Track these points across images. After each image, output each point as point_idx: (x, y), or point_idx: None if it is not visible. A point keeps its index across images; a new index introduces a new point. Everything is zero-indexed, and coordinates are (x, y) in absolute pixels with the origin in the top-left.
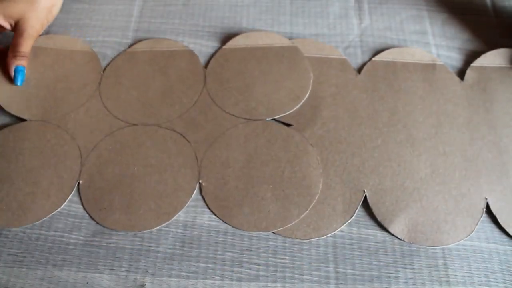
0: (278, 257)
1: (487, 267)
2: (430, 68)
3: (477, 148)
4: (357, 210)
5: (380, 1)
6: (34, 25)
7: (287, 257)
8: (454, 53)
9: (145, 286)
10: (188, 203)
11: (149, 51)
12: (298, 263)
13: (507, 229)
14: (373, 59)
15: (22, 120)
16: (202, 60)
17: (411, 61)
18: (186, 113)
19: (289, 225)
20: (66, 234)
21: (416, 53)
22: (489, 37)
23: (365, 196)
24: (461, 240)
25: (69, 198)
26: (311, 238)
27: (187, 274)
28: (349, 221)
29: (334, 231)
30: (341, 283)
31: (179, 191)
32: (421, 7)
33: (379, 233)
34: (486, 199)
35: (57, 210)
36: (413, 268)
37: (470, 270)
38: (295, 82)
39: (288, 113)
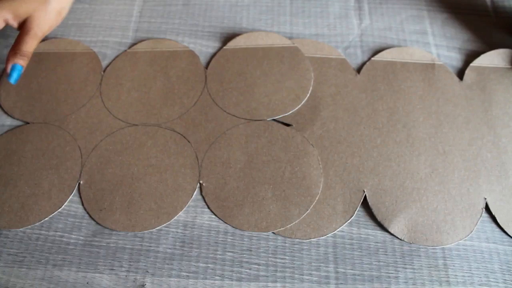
0: (278, 257)
1: (487, 267)
2: (429, 68)
3: (476, 148)
4: (357, 210)
5: (380, 1)
6: (42, 26)
7: (287, 257)
8: (453, 53)
9: (145, 286)
10: (189, 203)
11: (149, 52)
12: (298, 263)
13: (506, 229)
14: (372, 59)
15: (25, 122)
16: (202, 60)
17: (411, 61)
18: (187, 114)
19: (289, 225)
20: (66, 234)
21: (415, 53)
22: (489, 37)
23: (365, 196)
24: (461, 240)
25: (69, 198)
26: (311, 238)
27: (187, 274)
28: (349, 221)
29: (334, 231)
30: (341, 283)
31: (179, 191)
32: (421, 7)
33: (379, 233)
34: (485, 199)
35: (58, 210)
36: (413, 268)
37: (470, 270)
38: (296, 82)
39: (289, 113)
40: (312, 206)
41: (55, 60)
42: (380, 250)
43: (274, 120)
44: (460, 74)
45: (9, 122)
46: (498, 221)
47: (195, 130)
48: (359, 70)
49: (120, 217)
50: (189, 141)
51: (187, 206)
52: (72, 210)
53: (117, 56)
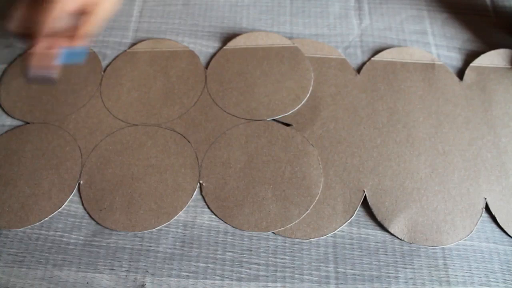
0: (278, 257)
1: (487, 267)
2: (429, 68)
3: (476, 148)
4: (357, 210)
5: (380, 1)
6: (106, 9)
7: (287, 257)
8: (453, 53)
9: (145, 286)
10: (189, 203)
11: (149, 52)
12: (298, 263)
13: (506, 229)
14: (372, 59)
15: (25, 122)
16: (202, 60)
17: (411, 61)
18: (187, 114)
19: (289, 225)
20: (66, 234)
21: (415, 53)
22: (489, 37)
23: (365, 196)
24: (461, 240)
25: (69, 198)
26: (311, 238)
27: (187, 274)
28: (349, 221)
29: (334, 231)
30: (341, 283)
31: (179, 191)
32: (421, 7)
33: (379, 233)
34: (485, 199)
35: (58, 210)
36: (413, 268)
37: (470, 270)
38: (296, 82)
39: (289, 113)
40: (312, 206)
41: None
42: (380, 250)
43: (274, 120)
44: (460, 74)
45: (9, 122)
46: (498, 221)
47: (195, 130)
48: (359, 70)
49: (120, 217)
50: (189, 141)
51: (187, 206)
52: (72, 210)
53: (117, 56)
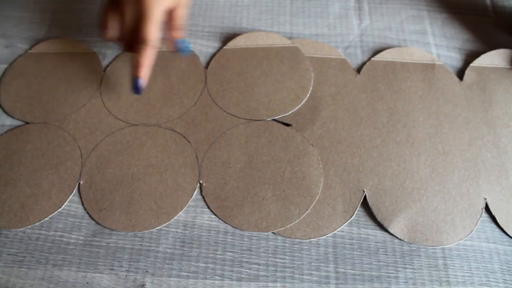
0: (278, 257)
1: (487, 267)
2: (429, 68)
3: (476, 148)
4: (357, 210)
5: (380, 1)
6: (188, 2)
7: (287, 257)
8: (453, 53)
9: (145, 286)
10: (189, 203)
11: None
12: (298, 263)
13: (506, 229)
14: (372, 59)
15: (25, 122)
16: (203, 60)
17: (411, 61)
18: (187, 114)
19: (289, 225)
20: (66, 234)
21: (415, 53)
22: (489, 37)
23: (365, 196)
24: (461, 240)
25: (69, 198)
26: (311, 238)
27: (187, 274)
28: (349, 221)
29: (334, 231)
30: (341, 283)
31: (179, 191)
32: (421, 7)
33: (379, 233)
34: (485, 199)
35: (58, 210)
36: (413, 268)
37: (470, 270)
38: (296, 82)
39: (289, 113)
40: (312, 206)
41: (55, 60)
42: (380, 250)
43: (274, 120)
44: (460, 74)
45: (9, 122)
46: (498, 221)
47: (195, 130)
48: (359, 70)
49: (120, 217)
50: (189, 141)
51: (187, 206)
52: (72, 210)
53: (117, 56)
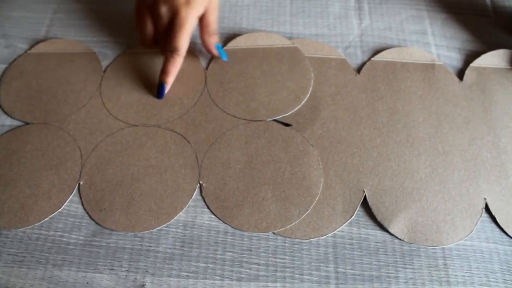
0: (278, 257)
1: (487, 267)
2: (429, 68)
3: (476, 148)
4: (357, 210)
5: (380, 1)
6: (217, 6)
7: (287, 257)
8: (453, 53)
9: (145, 286)
10: (188, 203)
11: (149, 52)
12: (298, 263)
13: (506, 229)
14: (372, 59)
15: (25, 123)
16: (203, 60)
17: (411, 61)
18: (187, 114)
19: (289, 225)
20: (66, 234)
21: (415, 53)
22: (489, 37)
23: (365, 196)
24: (461, 240)
25: (69, 198)
26: (311, 238)
27: (187, 274)
28: (349, 221)
29: (334, 231)
30: (341, 283)
31: (179, 191)
32: (421, 7)
33: (379, 233)
34: (485, 199)
35: (58, 210)
36: (413, 268)
37: (470, 270)
38: (296, 83)
39: (289, 113)
40: (312, 206)
41: (55, 60)
42: (380, 250)
43: (274, 120)
44: (460, 74)
45: (9, 122)
46: (498, 221)
47: (195, 131)
48: (359, 70)
49: (120, 218)
50: (189, 142)
51: (187, 206)
52: (72, 210)
53: (117, 56)
